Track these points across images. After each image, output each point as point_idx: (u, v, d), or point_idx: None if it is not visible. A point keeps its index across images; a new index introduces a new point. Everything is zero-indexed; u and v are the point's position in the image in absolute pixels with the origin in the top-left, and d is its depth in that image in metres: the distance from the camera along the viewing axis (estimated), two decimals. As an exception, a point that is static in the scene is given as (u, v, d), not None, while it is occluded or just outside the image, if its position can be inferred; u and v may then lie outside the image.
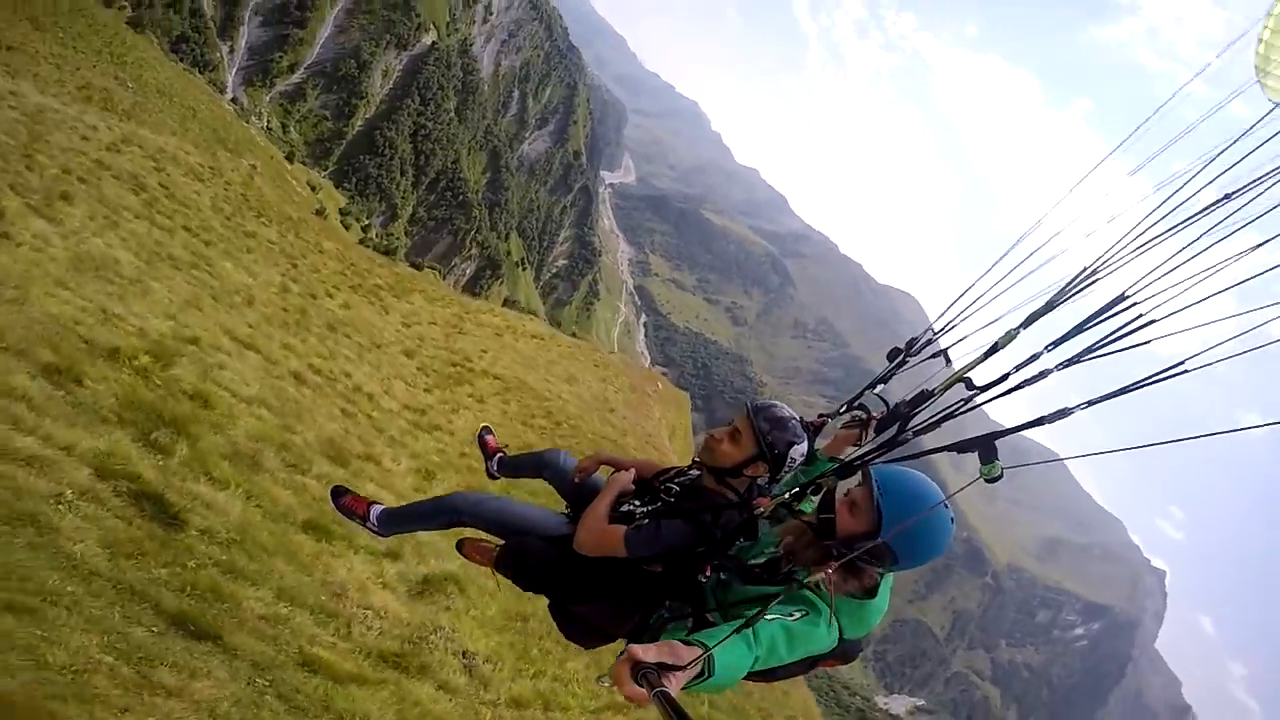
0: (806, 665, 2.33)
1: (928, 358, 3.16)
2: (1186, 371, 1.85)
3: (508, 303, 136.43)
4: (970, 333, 2.85)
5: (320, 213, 45.96)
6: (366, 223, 77.39)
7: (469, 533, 3.38)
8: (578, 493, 3.23)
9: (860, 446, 3.11)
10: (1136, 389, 1.91)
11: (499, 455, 3.95)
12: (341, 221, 63.39)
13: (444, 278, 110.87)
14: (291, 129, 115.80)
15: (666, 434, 33.68)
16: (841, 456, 3.11)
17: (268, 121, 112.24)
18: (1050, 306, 2.30)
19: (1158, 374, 1.88)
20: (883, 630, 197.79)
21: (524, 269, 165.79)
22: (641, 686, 1.50)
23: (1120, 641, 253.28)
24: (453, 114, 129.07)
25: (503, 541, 3.07)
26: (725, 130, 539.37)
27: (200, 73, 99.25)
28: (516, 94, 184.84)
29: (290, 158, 63.27)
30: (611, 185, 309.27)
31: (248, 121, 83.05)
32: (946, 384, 2.38)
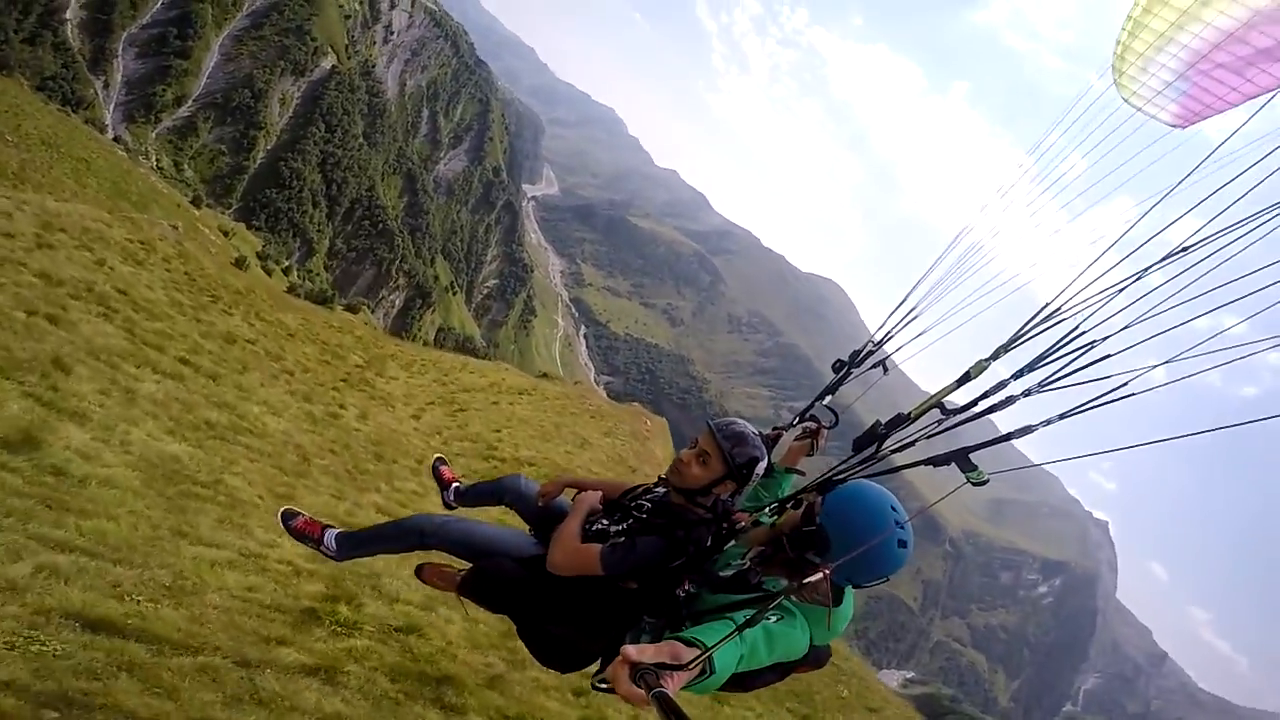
0: (781, 673, 2.37)
1: (869, 368, 3.40)
2: (1132, 395, 2.11)
3: (441, 331, 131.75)
4: (908, 341, 3.30)
5: (240, 263, 42.25)
6: (286, 264, 72.11)
7: (433, 557, 3.31)
8: (542, 516, 3.21)
9: (811, 456, 3.30)
10: (1091, 408, 2.16)
11: (455, 485, 3.91)
12: (263, 266, 58.78)
13: (373, 312, 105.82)
14: (186, 167, 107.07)
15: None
16: (798, 468, 3.25)
17: (157, 160, 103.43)
18: (1015, 341, 2.54)
19: (1105, 395, 2.16)
20: (860, 608, 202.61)
21: (454, 293, 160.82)
22: (639, 687, 1.50)
23: (1084, 595, 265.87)
24: (361, 139, 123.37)
25: (467, 565, 2.99)
26: (642, 134, 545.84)
27: (74, 111, 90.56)
28: (426, 113, 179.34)
29: (196, 202, 57.56)
30: (534, 198, 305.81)
31: (137, 163, 75.66)
32: (923, 408, 2.49)
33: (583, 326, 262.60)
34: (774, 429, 3.32)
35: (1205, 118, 3.54)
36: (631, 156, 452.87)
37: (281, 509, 3.62)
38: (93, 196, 25.46)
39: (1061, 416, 2.15)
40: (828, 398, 3.40)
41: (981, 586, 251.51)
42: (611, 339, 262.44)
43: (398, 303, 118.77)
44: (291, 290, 46.69)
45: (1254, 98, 3.26)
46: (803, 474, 3.15)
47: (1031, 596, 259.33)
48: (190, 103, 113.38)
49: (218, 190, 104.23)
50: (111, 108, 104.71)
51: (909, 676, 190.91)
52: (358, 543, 3.33)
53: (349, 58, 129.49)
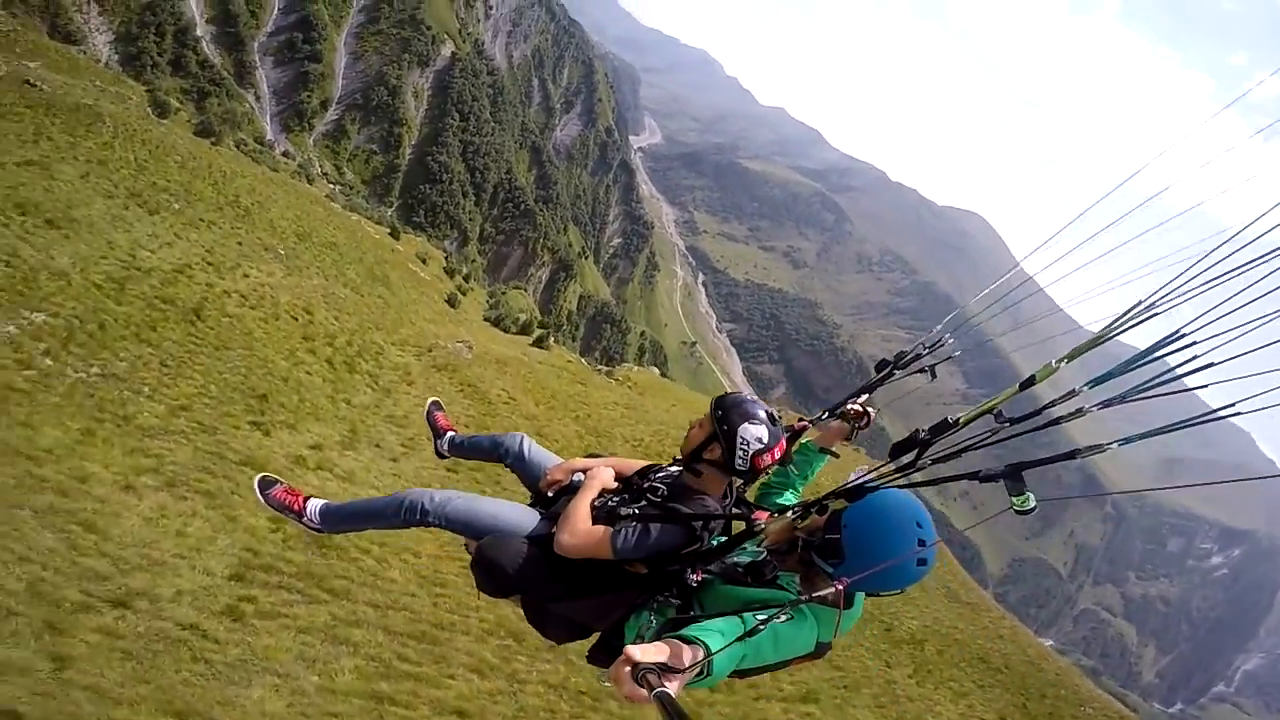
0: (779, 664, 2.37)
1: (913, 371, 3.15)
2: (1239, 414, 1.77)
3: (582, 299, 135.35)
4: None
5: (452, 301, 43.75)
6: (466, 271, 73.36)
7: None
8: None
9: (849, 440, 3.12)
10: (1182, 428, 1.84)
11: (450, 434, 3.72)
12: (458, 288, 60.29)
13: (526, 291, 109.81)
14: (345, 170, 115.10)
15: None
16: (833, 450, 3.10)
17: (320, 167, 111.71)
18: (1097, 341, 2.12)
19: (1206, 414, 1.83)
20: (1001, 572, 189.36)
21: (585, 258, 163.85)
22: (641, 687, 1.51)
23: (1266, 567, 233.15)
24: (491, 122, 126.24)
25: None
26: (742, 73, 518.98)
27: (237, 129, 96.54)
28: (536, 82, 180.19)
29: (395, 234, 58.35)
30: (640, 150, 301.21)
31: (311, 181, 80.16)
32: (973, 415, 2.23)
33: (700, 275, 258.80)
34: (800, 421, 3.19)
35: None
36: (733, 97, 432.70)
37: (258, 476, 3.40)
38: (359, 286, 25.71)
39: (1142, 436, 1.90)
40: (863, 397, 3.18)
41: (1145, 554, 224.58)
42: (731, 285, 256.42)
43: (544, 278, 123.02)
44: (497, 322, 47.95)
45: None
46: (836, 455, 3.04)
47: (1202, 567, 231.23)
48: (335, 105, 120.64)
49: (378, 190, 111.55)
50: (269, 120, 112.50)
51: (1048, 645, 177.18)
52: (345, 516, 3.18)
53: (464, 42, 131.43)
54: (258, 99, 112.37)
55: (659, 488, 2.81)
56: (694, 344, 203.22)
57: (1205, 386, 1.82)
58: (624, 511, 2.70)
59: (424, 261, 49.69)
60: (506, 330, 44.74)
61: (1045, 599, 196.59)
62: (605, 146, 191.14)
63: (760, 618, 1.96)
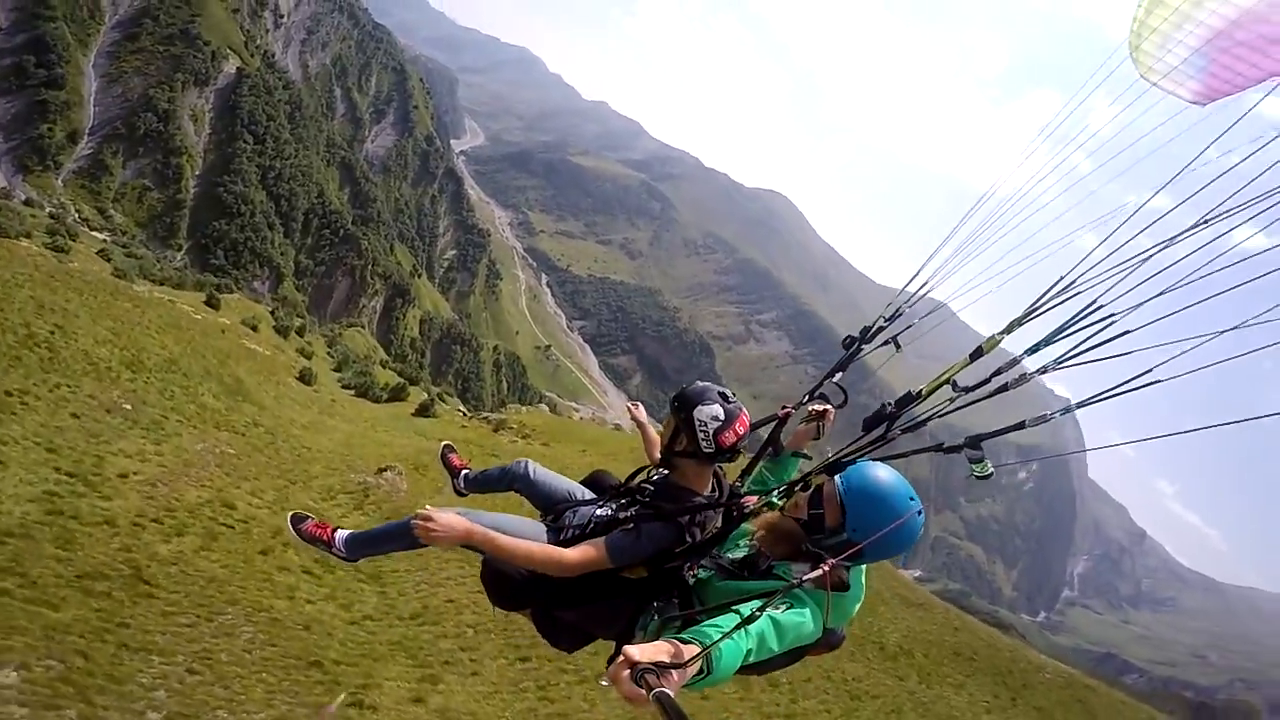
0: (794, 656, 2.38)
1: (880, 344, 3.25)
2: (1158, 381, 1.95)
3: (424, 323, 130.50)
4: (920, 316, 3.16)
5: (306, 378, 39.82)
6: (299, 322, 64.49)
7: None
8: (553, 502, 3.30)
9: (818, 439, 3.22)
10: (1108, 397, 2.04)
11: (464, 472, 3.94)
12: (286, 338, 54.70)
13: (363, 328, 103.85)
14: (112, 212, 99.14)
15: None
16: (804, 452, 3.21)
17: (77, 212, 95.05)
18: (1030, 314, 2.42)
19: (1128, 381, 2.02)
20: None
21: (418, 276, 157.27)
22: (640, 687, 1.53)
23: (1061, 478, 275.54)
24: (292, 142, 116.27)
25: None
26: (565, 70, 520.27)
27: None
28: (339, 92, 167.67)
29: (212, 301, 47.64)
30: (463, 153, 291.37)
31: (74, 236, 66.74)
32: (933, 386, 2.45)
33: (543, 275, 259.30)
34: (783, 408, 3.31)
35: (1227, 95, 3.42)
36: (556, 93, 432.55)
37: (290, 513, 3.56)
38: (257, 442, 21.20)
39: (1080, 404, 2.15)
40: (837, 375, 3.30)
41: (964, 477, 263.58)
42: (576, 283, 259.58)
43: (378, 307, 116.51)
44: (364, 393, 44.36)
45: (1277, 75, 3.18)
46: (808, 458, 3.10)
47: (1014, 483, 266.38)
48: (87, 138, 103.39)
49: (159, 232, 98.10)
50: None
51: (917, 575, 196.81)
52: (368, 542, 3.33)
53: (252, 56, 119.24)
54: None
55: (646, 489, 2.93)
56: (548, 347, 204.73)
57: (1127, 354, 2.05)
58: (622, 516, 2.82)
59: (254, 329, 46.59)
60: (378, 399, 42.74)
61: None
62: (427, 155, 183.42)
63: (755, 606, 1.99)
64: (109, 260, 58.24)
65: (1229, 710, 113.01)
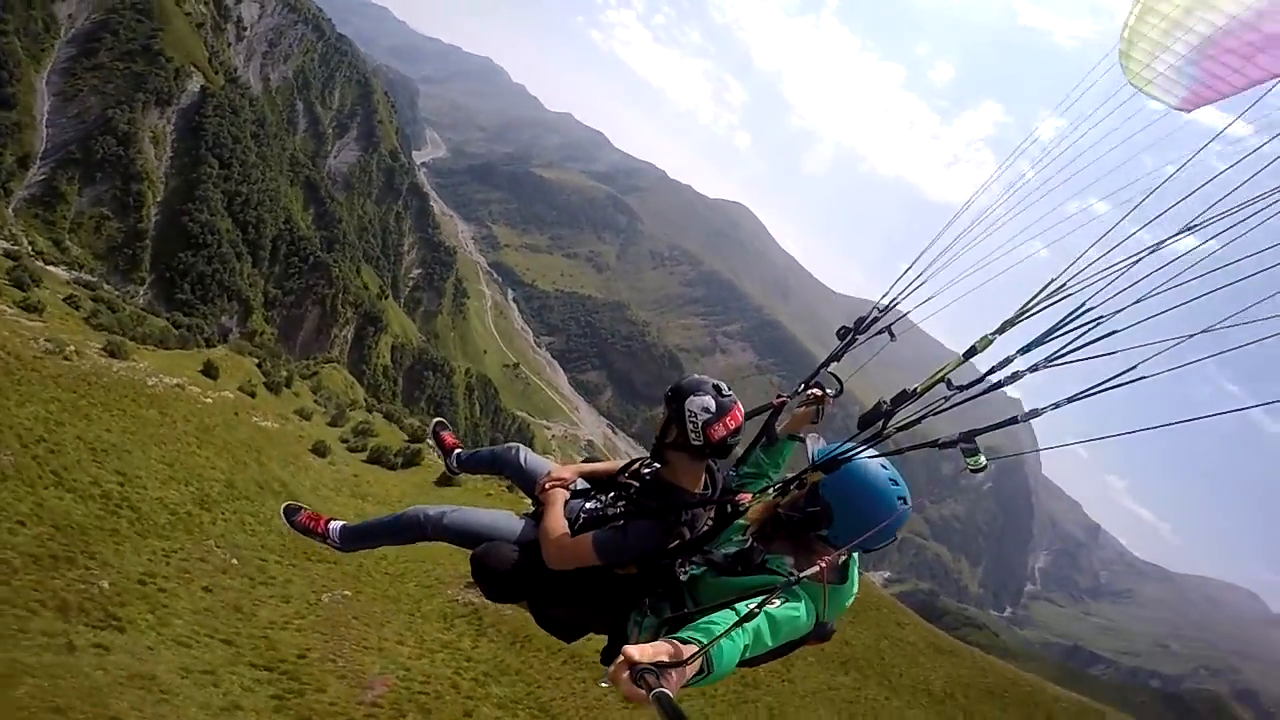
0: (788, 648, 2.41)
1: (874, 334, 3.34)
2: (1144, 378, 2.05)
3: (396, 350, 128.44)
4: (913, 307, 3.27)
5: (321, 451, 38.04)
6: (285, 371, 63.32)
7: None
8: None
9: (816, 423, 3.22)
10: (1096, 393, 2.12)
11: (457, 452, 3.88)
12: (278, 394, 53.97)
13: (339, 365, 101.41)
14: (68, 244, 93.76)
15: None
16: (800, 435, 3.16)
17: (30, 244, 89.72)
18: (1022, 315, 2.54)
19: (1114, 378, 2.11)
20: None
21: (385, 297, 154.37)
22: (640, 687, 1.53)
23: (1016, 477, 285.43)
24: (259, 165, 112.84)
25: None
26: (528, 81, 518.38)
27: None
28: (301, 106, 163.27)
29: (210, 374, 45.81)
30: (424, 165, 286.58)
31: (37, 281, 63.80)
32: (928, 384, 2.52)
33: (509, 291, 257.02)
34: (779, 396, 3.30)
35: (1210, 101, 3.45)
36: (520, 104, 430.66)
37: (284, 504, 3.58)
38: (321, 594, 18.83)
39: (1069, 400, 2.19)
40: (832, 365, 3.35)
41: (928, 479, 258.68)
42: (543, 298, 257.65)
43: (350, 337, 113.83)
44: (378, 459, 43.51)
45: (1260, 83, 3.20)
46: (804, 441, 2.97)
47: (973, 484, 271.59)
48: (40, 163, 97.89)
49: (120, 265, 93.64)
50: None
51: (887, 576, 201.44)
52: (360, 535, 3.38)
53: (216, 73, 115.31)
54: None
55: (634, 484, 2.93)
56: (517, 365, 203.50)
57: (1114, 353, 2.13)
58: (610, 513, 2.85)
59: (252, 395, 45.64)
60: (393, 468, 42.59)
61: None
62: (391, 171, 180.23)
63: (753, 603, 2.00)
64: (77, 308, 55.61)
65: (1195, 699, 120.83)
